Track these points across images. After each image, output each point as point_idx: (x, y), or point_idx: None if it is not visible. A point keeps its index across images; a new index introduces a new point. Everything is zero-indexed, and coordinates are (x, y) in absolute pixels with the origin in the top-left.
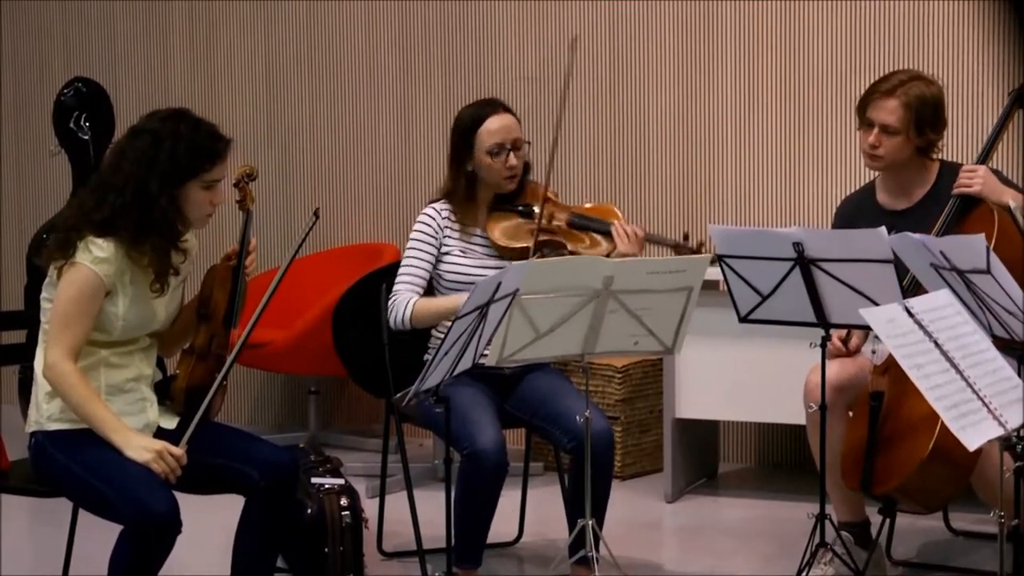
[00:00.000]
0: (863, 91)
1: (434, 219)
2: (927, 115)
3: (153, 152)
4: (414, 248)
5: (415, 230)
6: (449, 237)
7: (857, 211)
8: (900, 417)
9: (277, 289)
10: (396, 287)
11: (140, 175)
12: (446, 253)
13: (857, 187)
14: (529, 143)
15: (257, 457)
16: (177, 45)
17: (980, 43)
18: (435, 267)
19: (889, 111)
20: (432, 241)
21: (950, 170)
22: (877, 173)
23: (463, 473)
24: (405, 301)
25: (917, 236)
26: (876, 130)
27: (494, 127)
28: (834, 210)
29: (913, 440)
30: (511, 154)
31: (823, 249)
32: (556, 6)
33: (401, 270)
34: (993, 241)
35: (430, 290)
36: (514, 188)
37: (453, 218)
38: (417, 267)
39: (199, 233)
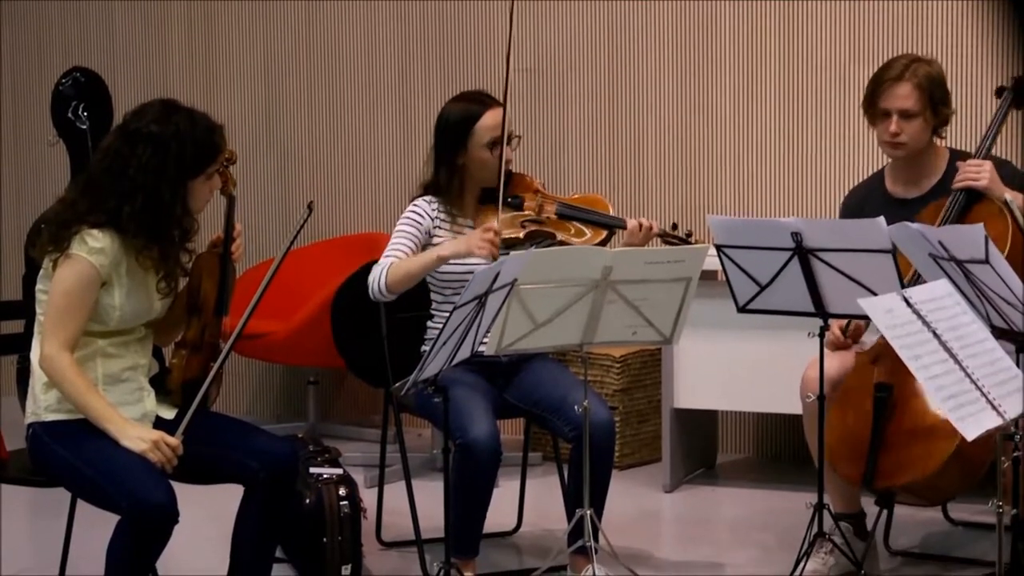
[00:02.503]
0: (865, 84)
1: (424, 211)
2: (938, 92)
3: (160, 159)
4: (402, 230)
5: (404, 216)
6: (440, 229)
7: (865, 200)
8: (914, 412)
9: (272, 281)
10: (379, 262)
11: (150, 183)
12: (437, 247)
13: (858, 178)
14: (520, 136)
15: (257, 448)
16: (175, 37)
17: (980, 39)
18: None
19: (904, 96)
20: (421, 226)
21: (961, 157)
22: (886, 161)
23: (457, 463)
24: (380, 268)
25: (916, 225)
26: (895, 118)
27: (491, 122)
28: (834, 201)
29: (931, 439)
30: (508, 147)
31: (821, 239)
32: (555, 2)
33: (388, 247)
34: (1008, 243)
35: (424, 287)
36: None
37: (443, 212)
38: (403, 243)
39: None
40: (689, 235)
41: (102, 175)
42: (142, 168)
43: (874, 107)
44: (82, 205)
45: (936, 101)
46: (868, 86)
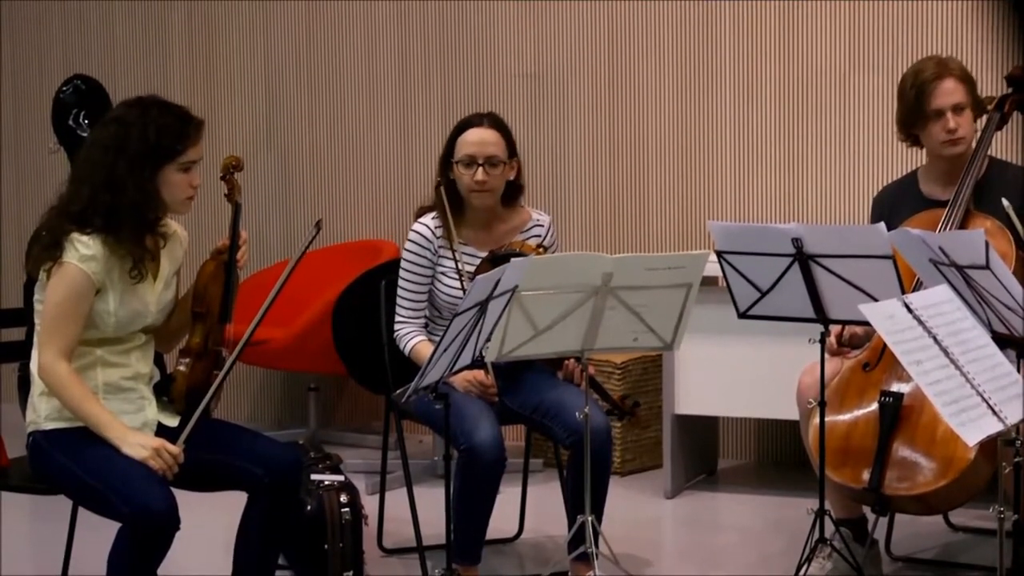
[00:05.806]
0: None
1: (427, 237)
2: (973, 80)
3: (122, 138)
4: (409, 272)
5: (408, 250)
6: (444, 257)
7: (898, 200)
8: (927, 424)
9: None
10: (398, 316)
11: (109, 162)
12: (442, 273)
13: (858, 182)
14: (510, 164)
15: (261, 454)
16: (176, 45)
17: (980, 39)
18: (432, 283)
19: (952, 90)
20: (426, 263)
21: (999, 164)
22: (919, 164)
23: (460, 469)
24: (407, 341)
25: (916, 231)
26: (950, 113)
27: (471, 139)
28: (834, 206)
29: (948, 452)
30: (480, 169)
31: (822, 245)
32: (554, 6)
33: (399, 296)
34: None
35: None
36: (485, 204)
37: (441, 230)
38: (414, 293)
39: (190, 226)
40: (625, 398)
41: (78, 164)
42: (105, 148)
43: (922, 113)
44: (65, 197)
45: (974, 89)
46: (907, 97)
